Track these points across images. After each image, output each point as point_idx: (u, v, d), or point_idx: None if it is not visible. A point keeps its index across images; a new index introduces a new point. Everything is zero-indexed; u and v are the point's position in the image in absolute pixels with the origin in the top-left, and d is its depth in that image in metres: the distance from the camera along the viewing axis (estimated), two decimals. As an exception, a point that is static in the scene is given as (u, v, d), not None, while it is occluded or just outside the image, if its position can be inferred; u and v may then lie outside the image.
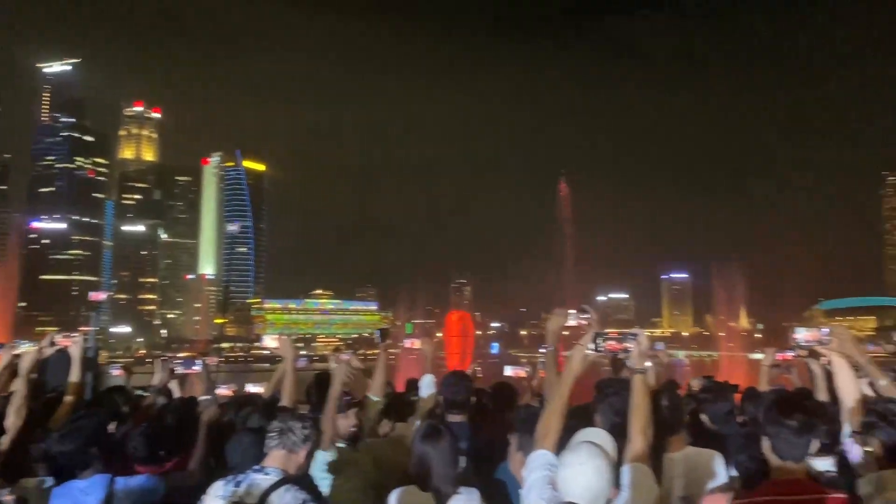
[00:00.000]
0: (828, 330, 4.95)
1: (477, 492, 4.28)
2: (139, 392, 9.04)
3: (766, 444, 3.91)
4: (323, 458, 5.17)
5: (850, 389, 4.78)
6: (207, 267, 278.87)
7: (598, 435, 3.78)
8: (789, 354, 6.80)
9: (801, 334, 5.00)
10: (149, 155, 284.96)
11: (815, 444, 3.88)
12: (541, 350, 5.39)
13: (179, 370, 7.21)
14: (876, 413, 4.24)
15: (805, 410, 4.02)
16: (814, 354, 6.23)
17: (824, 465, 4.46)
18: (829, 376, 6.08)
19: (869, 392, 5.10)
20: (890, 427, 4.09)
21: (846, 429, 4.67)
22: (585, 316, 5.24)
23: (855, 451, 4.43)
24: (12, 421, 5.30)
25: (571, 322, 5.27)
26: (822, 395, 6.13)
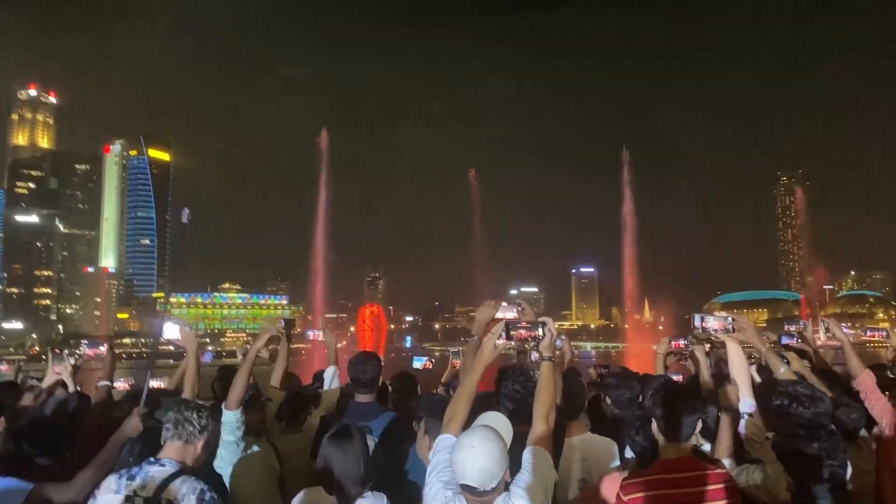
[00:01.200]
0: (732, 319, 5.09)
1: (384, 496, 4.15)
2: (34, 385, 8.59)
3: (654, 426, 4.10)
4: (229, 418, 5.06)
5: (744, 374, 4.98)
6: (108, 259, 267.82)
7: (496, 419, 3.85)
8: (681, 343, 7.02)
9: (710, 323, 5.10)
10: (44, 141, 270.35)
11: (699, 425, 4.08)
12: (464, 340, 5.33)
13: (85, 350, 6.87)
14: (787, 395, 4.51)
15: (691, 394, 4.25)
16: (697, 341, 6.46)
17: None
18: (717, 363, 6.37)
19: (755, 377, 5.40)
20: (801, 407, 4.37)
21: (742, 408, 4.91)
22: (518, 308, 5.23)
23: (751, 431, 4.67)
24: None
25: (500, 314, 5.27)
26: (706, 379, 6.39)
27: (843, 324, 6.83)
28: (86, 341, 6.97)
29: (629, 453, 4.82)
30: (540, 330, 4.29)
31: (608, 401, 6.32)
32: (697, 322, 5.25)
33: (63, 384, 7.27)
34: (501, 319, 4.74)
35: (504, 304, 5.26)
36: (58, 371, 7.14)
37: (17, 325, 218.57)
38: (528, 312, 5.17)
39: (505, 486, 3.47)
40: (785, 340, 7.15)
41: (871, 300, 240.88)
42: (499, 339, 4.28)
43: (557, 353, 5.30)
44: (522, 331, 4.32)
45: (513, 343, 4.41)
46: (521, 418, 4.16)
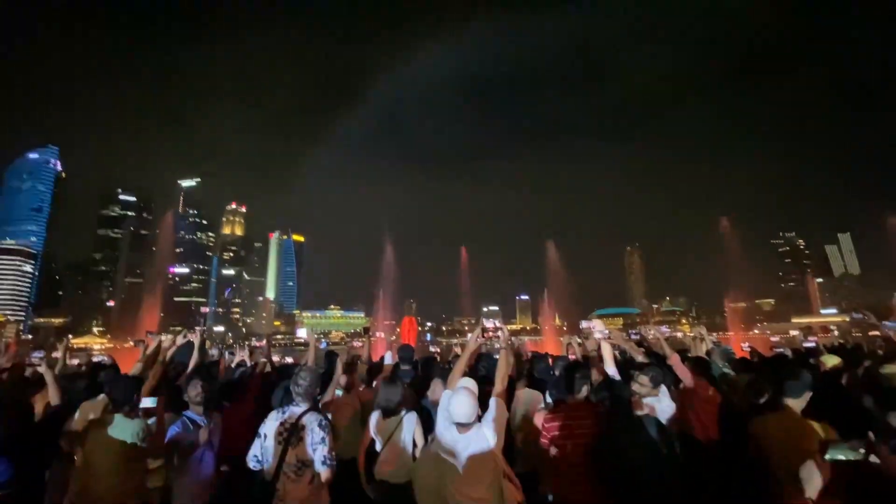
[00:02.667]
0: (609, 331, 5.14)
1: (415, 413, 4.22)
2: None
3: (562, 384, 4.04)
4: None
5: (610, 357, 4.94)
6: (270, 293, 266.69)
7: (468, 381, 3.78)
8: (577, 339, 6.92)
9: (597, 335, 5.11)
10: (238, 231, 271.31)
11: (587, 386, 4.03)
12: (459, 337, 5.26)
13: (256, 343, 6.86)
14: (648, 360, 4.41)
15: (582, 367, 4.19)
16: (584, 338, 6.34)
17: (595, 397, 4.59)
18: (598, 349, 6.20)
19: (618, 356, 5.28)
20: (658, 367, 4.20)
21: (609, 373, 4.78)
22: (496, 322, 5.19)
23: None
24: (149, 382, 4.86)
25: (487, 324, 5.24)
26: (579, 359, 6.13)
27: (664, 326, 6.75)
28: (255, 338, 6.98)
29: (548, 400, 4.72)
30: (499, 332, 4.31)
31: (534, 370, 6.20)
32: (584, 325, 5.23)
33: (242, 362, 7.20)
34: (485, 327, 4.78)
35: (493, 319, 5.26)
36: (242, 354, 7.13)
37: (221, 328, 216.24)
38: (500, 323, 5.15)
39: (477, 420, 3.41)
40: (633, 337, 7.04)
41: (678, 313, 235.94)
42: (477, 337, 4.32)
43: (510, 344, 5.24)
44: (490, 332, 4.34)
45: (485, 338, 4.42)
46: (488, 380, 4.11)
